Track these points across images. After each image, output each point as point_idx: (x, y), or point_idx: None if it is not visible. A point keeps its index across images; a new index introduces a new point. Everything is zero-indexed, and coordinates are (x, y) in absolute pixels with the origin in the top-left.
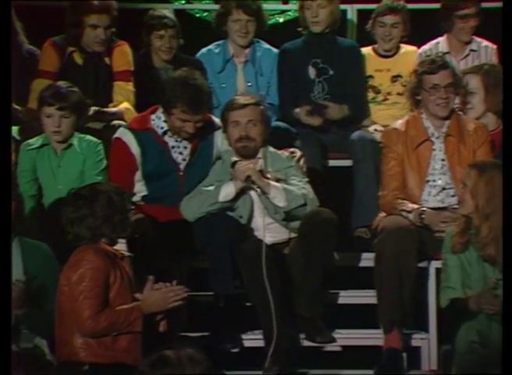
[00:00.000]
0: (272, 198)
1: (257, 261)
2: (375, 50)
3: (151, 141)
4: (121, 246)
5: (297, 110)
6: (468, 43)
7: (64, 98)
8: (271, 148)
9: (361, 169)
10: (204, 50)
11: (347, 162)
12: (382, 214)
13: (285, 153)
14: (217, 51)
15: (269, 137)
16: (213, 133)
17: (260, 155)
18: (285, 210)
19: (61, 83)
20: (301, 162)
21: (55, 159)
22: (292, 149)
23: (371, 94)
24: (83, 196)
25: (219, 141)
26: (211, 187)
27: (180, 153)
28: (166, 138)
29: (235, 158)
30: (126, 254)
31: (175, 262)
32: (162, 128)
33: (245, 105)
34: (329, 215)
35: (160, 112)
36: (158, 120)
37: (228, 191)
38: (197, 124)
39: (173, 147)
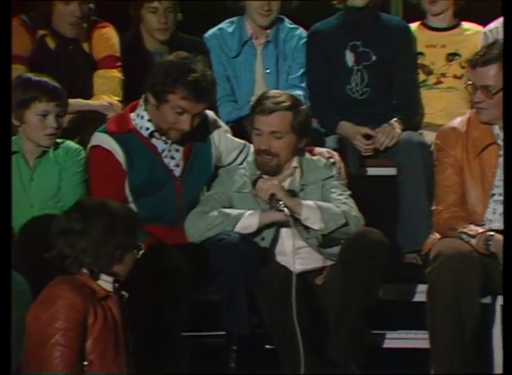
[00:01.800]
0: (304, 220)
1: (283, 294)
2: (423, 24)
3: (137, 145)
4: (105, 284)
5: (346, 124)
6: None
7: (61, 93)
8: (307, 155)
9: (409, 179)
10: (214, 30)
11: (391, 171)
12: (436, 235)
13: (322, 160)
14: (231, 30)
15: (307, 144)
16: (208, 130)
17: (295, 163)
18: (322, 233)
19: (30, 74)
20: (342, 169)
21: (26, 171)
22: (326, 150)
23: (420, 76)
24: (86, 209)
25: (216, 138)
26: (231, 211)
27: (172, 158)
28: (154, 141)
29: (257, 175)
30: (110, 293)
31: (175, 293)
32: (147, 129)
33: (272, 111)
34: (379, 237)
35: (142, 110)
36: (140, 120)
37: (250, 224)
38: (194, 120)
39: (163, 150)
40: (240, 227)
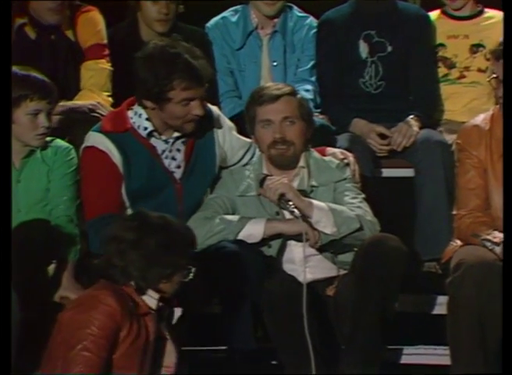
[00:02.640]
0: (315, 223)
1: (291, 306)
2: (444, 12)
3: (135, 145)
4: (150, 300)
5: (360, 122)
6: None
7: (52, 88)
8: (314, 153)
9: (428, 180)
10: (216, 19)
11: (408, 172)
12: (457, 242)
13: (334, 161)
14: (234, 19)
15: (311, 136)
16: (212, 127)
17: (302, 163)
18: (334, 238)
19: (17, 67)
20: (356, 171)
21: (12, 172)
22: (339, 150)
23: (441, 70)
24: (144, 220)
25: (221, 136)
26: (233, 218)
27: (173, 158)
28: (153, 141)
29: (264, 173)
30: (153, 310)
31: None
32: (146, 128)
33: (278, 97)
34: (397, 243)
35: (140, 108)
36: (137, 118)
37: (253, 232)
38: (203, 103)
39: (163, 151)
40: (242, 236)
